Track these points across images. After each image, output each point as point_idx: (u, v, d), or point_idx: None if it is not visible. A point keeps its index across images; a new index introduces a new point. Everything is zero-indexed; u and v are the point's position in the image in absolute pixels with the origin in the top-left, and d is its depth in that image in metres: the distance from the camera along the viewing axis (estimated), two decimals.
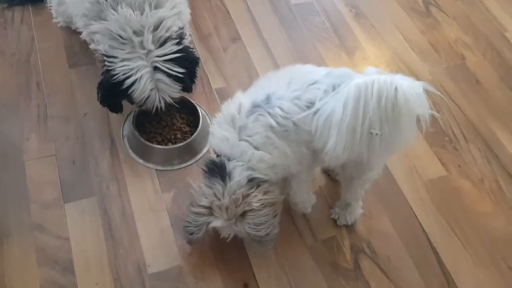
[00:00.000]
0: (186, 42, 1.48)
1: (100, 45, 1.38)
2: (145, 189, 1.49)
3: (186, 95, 1.57)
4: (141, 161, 1.55)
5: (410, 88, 1.02)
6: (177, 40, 1.38)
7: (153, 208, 1.46)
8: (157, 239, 1.39)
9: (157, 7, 1.38)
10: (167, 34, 1.37)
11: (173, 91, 1.41)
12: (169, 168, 1.55)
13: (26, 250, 1.34)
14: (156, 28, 1.36)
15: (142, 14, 1.34)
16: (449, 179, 1.60)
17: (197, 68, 1.51)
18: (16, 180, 1.46)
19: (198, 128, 1.57)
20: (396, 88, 1.00)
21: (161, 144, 1.56)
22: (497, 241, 1.47)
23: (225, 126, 1.17)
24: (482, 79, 1.92)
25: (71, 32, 1.82)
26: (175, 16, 1.41)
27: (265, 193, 1.17)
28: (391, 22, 2.09)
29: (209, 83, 1.79)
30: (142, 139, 1.53)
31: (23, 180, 1.46)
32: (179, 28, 1.42)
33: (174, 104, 1.45)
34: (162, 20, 1.37)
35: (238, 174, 1.15)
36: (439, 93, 1.15)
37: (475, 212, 1.53)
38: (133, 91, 1.36)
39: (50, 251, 1.34)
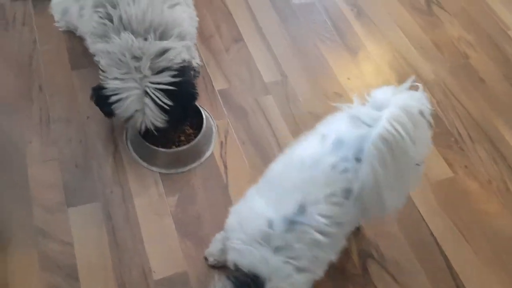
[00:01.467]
0: (194, 64, 1.49)
1: (101, 60, 1.40)
2: (149, 193, 1.48)
3: None
4: (144, 164, 1.53)
5: (413, 99, 1.00)
6: (175, 72, 1.37)
7: (157, 212, 1.44)
8: (162, 244, 1.38)
9: (162, 37, 1.37)
10: (167, 64, 1.37)
11: (158, 120, 1.40)
12: (173, 171, 1.53)
13: (29, 255, 1.32)
14: (157, 56, 1.36)
15: (145, 40, 1.34)
16: (456, 180, 1.58)
17: (193, 104, 1.50)
18: (19, 183, 1.45)
19: (202, 131, 1.56)
20: (407, 111, 0.96)
21: (165, 147, 1.54)
22: (506, 242, 1.46)
23: (256, 245, 1.00)
24: (485, 77, 1.91)
25: (73, 34, 1.80)
26: (181, 48, 1.41)
27: None
28: (392, 21, 2.08)
29: (212, 84, 1.77)
30: (146, 142, 1.51)
31: (26, 184, 1.44)
32: (183, 61, 1.42)
33: (154, 132, 1.44)
34: (165, 51, 1.37)
35: None
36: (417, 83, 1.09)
37: (483, 213, 1.52)
38: (117, 108, 1.37)
39: (53, 256, 1.33)
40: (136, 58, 1.34)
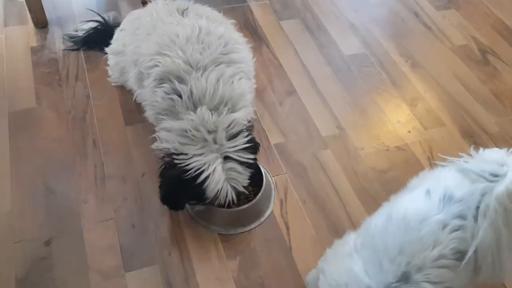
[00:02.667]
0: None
1: (166, 143, 1.33)
2: (209, 255, 1.40)
3: None
4: (202, 224, 1.46)
5: None
6: (247, 133, 1.36)
7: (218, 277, 1.35)
8: None
9: (233, 111, 1.35)
10: (238, 129, 1.34)
11: (244, 178, 1.35)
12: (232, 231, 1.45)
13: None
14: (228, 126, 1.33)
15: (218, 115, 1.32)
16: None
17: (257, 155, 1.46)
18: (74, 246, 1.38)
19: (262, 188, 1.48)
20: None
21: (224, 206, 1.46)
22: None
23: None
24: None
25: (126, 89, 1.78)
26: (243, 115, 1.39)
27: None
28: (449, 72, 2.01)
29: (267, 138, 1.71)
30: None
31: (82, 246, 1.38)
32: (248, 121, 1.40)
33: (245, 191, 1.38)
34: (234, 120, 1.34)
35: None
36: None
37: None
38: (207, 185, 1.29)
39: None
40: (210, 132, 1.30)
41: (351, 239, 1.02)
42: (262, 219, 1.48)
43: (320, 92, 1.89)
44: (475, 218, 0.90)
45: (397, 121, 1.81)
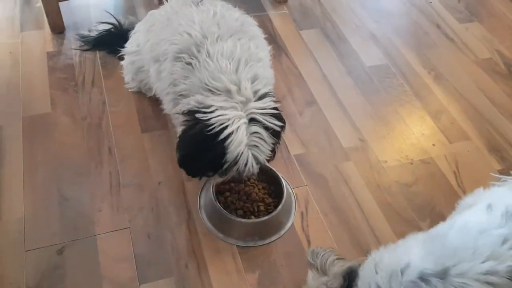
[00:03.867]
0: None
1: (187, 105, 1.26)
2: (227, 268, 1.34)
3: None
4: (220, 235, 1.40)
5: None
6: (274, 98, 1.29)
7: None
8: None
9: (251, 62, 1.29)
10: (265, 90, 1.27)
11: (267, 148, 1.25)
12: (251, 244, 1.40)
13: None
14: (253, 81, 1.26)
15: (237, 70, 1.25)
16: None
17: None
18: (87, 255, 1.33)
19: (283, 200, 1.43)
20: None
21: (243, 217, 1.41)
22: None
23: (380, 278, 0.92)
24: None
25: (143, 96, 1.74)
26: (268, 78, 1.33)
27: None
28: (474, 85, 1.96)
29: (287, 149, 1.66)
30: (223, 211, 1.39)
31: (95, 256, 1.33)
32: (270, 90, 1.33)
33: (266, 164, 1.30)
34: (257, 76, 1.28)
35: None
36: None
37: None
38: (230, 143, 1.19)
39: None
40: (232, 83, 1.23)
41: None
42: (282, 232, 1.43)
43: (341, 102, 1.84)
44: None
45: (421, 134, 1.75)
